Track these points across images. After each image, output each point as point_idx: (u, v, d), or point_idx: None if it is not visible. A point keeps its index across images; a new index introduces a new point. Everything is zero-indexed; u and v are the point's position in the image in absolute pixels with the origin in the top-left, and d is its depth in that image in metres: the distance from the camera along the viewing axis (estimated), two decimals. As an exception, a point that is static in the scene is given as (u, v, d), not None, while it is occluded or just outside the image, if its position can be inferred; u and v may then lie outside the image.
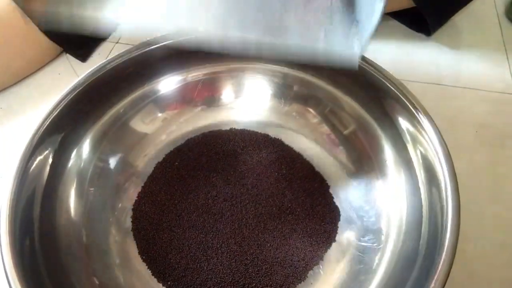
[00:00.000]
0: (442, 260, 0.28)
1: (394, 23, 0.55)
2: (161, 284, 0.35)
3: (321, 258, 0.36)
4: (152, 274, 0.35)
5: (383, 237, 0.36)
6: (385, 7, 0.22)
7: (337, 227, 0.38)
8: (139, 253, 0.36)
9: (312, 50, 0.26)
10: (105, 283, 0.34)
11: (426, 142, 0.34)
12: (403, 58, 0.52)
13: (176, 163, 0.41)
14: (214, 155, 0.42)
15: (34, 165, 0.33)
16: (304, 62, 0.29)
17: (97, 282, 0.34)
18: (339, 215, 0.38)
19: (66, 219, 0.35)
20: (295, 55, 0.27)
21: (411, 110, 0.35)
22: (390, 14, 0.55)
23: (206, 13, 0.27)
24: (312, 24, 0.27)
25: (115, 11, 0.27)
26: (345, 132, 0.41)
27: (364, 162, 0.40)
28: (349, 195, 0.39)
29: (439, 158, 0.32)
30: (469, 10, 0.55)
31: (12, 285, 0.27)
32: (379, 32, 0.54)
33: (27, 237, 0.31)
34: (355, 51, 0.26)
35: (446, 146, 0.32)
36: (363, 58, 0.36)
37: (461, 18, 0.55)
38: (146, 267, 0.36)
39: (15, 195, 0.31)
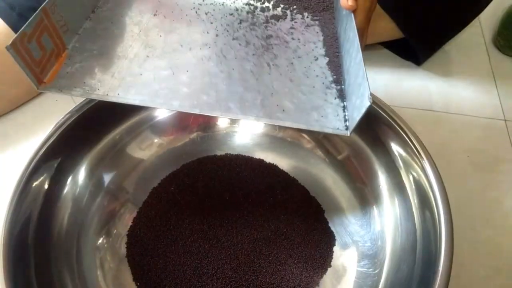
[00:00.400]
0: (437, 285, 0.28)
1: (386, 52, 0.57)
2: (155, 311, 0.35)
3: (317, 284, 0.36)
4: (147, 301, 0.35)
5: (378, 262, 0.36)
6: (370, 106, 0.25)
7: (333, 252, 0.38)
8: (133, 279, 0.36)
9: (306, 127, 0.29)
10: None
11: (419, 168, 0.34)
12: (395, 85, 0.53)
13: (172, 188, 0.41)
14: (210, 180, 0.42)
15: (30, 191, 0.34)
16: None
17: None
18: (334, 240, 0.38)
19: (61, 243, 0.35)
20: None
21: (403, 136, 0.36)
22: (382, 44, 0.57)
23: (208, 97, 0.29)
24: (306, 106, 0.30)
25: (121, 96, 0.29)
26: (339, 157, 0.42)
27: (358, 187, 0.40)
28: (344, 220, 0.39)
29: (431, 183, 0.33)
30: (458, 39, 0.57)
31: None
32: (372, 60, 0.55)
33: (22, 265, 0.31)
34: (345, 129, 0.29)
35: (438, 171, 0.33)
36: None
37: (450, 47, 0.57)
38: (141, 293, 0.35)
39: (10, 221, 0.31)
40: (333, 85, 0.31)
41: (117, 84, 0.29)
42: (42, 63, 0.28)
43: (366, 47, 0.56)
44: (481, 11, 0.53)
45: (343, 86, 0.31)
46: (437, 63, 0.55)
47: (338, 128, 0.28)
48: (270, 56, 0.33)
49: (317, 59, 0.33)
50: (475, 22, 0.59)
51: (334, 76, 0.32)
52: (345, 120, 0.29)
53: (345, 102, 0.30)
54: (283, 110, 0.29)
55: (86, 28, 0.32)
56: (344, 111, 0.29)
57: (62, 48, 0.30)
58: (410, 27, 0.50)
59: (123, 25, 0.33)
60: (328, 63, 0.33)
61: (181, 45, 0.33)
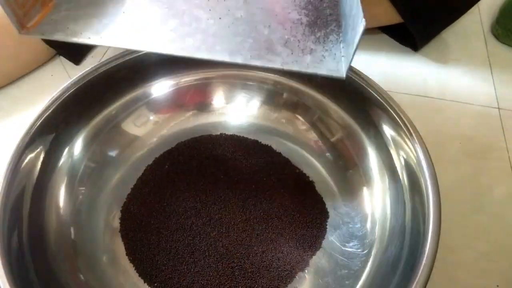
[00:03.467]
0: (423, 265, 0.28)
1: (384, 36, 0.57)
2: (148, 286, 0.35)
3: (307, 263, 0.37)
4: (139, 275, 0.36)
5: (367, 243, 0.36)
6: (364, 31, 0.24)
7: (324, 232, 0.38)
8: (126, 254, 0.37)
9: (299, 70, 0.28)
10: (92, 282, 0.34)
11: (410, 151, 0.35)
12: (391, 70, 0.53)
13: (166, 166, 0.42)
14: (204, 159, 0.42)
15: (24, 164, 0.34)
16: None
17: (83, 280, 0.34)
18: (326, 221, 0.39)
19: (55, 217, 0.36)
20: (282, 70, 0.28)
21: (397, 120, 0.36)
22: (380, 28, 0.57)
23: (194, 41, 0.29)
24: (300, 49, 0.29)
25: (106, 39, 0.28)
26: (333, 139, 0.42)
27: (350, 169, 0.41)
28: (335, 202, 0.40)
29: (422, 167, 0.33)
30: (456, 26, 0.57)
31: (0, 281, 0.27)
32: (370, 45, 0.55)
33: (16, 234, 0.31)
34: (341, 70, 0.28)
35: (429, 156, 0.33)
36: (352, 69, 0.38)
37: (448, 34, 0.57)
38: (134, 268, 0.36)
39: (4, 192, 0.31)
40: (328, 29, 0.30)
41: (101, 29, 0.29)
42: (26, 6, 0.27)
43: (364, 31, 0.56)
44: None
45: (340, 30, 0.30)
46: (434, 49, 0.55)
47: (332, 70, 0.27)
48: (264, 4, 0.32)
49: (312, 4, 0.32)
50: (474, 10, 0.59)
51: (331, 21, 0.31)
52: (340, 62, 0.28)
53: (341, 45, 0.29)
54: (274, 53, 0.28)
55: None
56: (339, 54, 0.28)
57: None
58: (409, 12, 0.50)
59: None
60: (324, 8, 0.32)
61: None
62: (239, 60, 0.28)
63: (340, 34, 0.30)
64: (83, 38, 0.28)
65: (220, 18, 0.30)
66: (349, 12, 0.28)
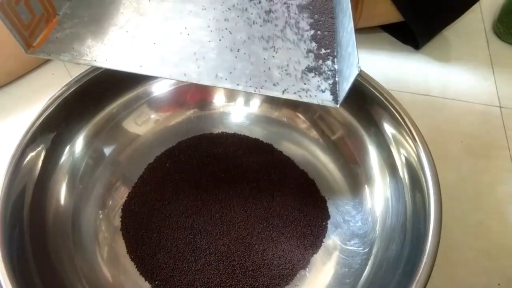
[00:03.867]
0: (424, 263, 0.28)
1: (385, 35, 0.57)
2: (149, 284, 0.35)
3: (308, 261, 0.37)
4: (140, 273, 0.36)
5: (368, 242, 0.36)
6: (359, 74, 0.25)
7: (325, 231, 0.38)
8: (127, 252, 0.37)
9: (295, 97, 0.29)
10: (92, 280, 0.34)
11: (411, 149, 0.35)
12: (393, 69, 0.53)
13: (167, 165, 0.42)
14: (205, 158, 0.42)
15: (25, 162, 0.34)
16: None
17: (84, 278, 0.34)
18: (327, 219, 0.39)
19: (56, 214, 0.36)
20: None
21: (398, 118, 0.36)
22: (381, 27, 0.57)
23: (197, 66, 0.29)
24: (297, 78, 0.29)
25: (111, 62, 0.29)
26: (333, 137, 0.42)
27: (351, 168, 0.41)
28: (336, 200, 0.40)
29: (423, 165, 0.33)
30: (458, 25, 0.57)
31: (1, 277, 0.27)
32: (371, 43, 0.55)
33: (17, 232, 0.31)
34: (335, 101, 0.29)
35: (430, 154, 0.33)
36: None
37: (449, 32, 0.57)
38: (134, 266, 0.36)
39: (6, 190, 0.31)
40: (324, 58, 0.31)
41: (106, 50, 0.29)
42: (31, 27, 0.28)
43: (366, 30, 0.56)
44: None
45: (335, 59, 0.31)
46: (436, 48, 0.55)
47: (327, 100, 0.28)
48: (264, 29, 0.32)
49: (311, 32, 0.33)
50: (475, 8, 0.59)
51: (327, 50, 0.32)
52: (335, 92, 0.29)
53: (336, 75, 0.30)
54: (272, 80, 0.29)
55: None
56: (335, 84, 0.29)
57: (53, 13, 0.30)
58: (410, 10, 0.50)
59: None
60: (322, 37, 0.32)
61: (173, 14, 0.32)
62: (240, 88, 0.28)
63: (336, 61, 0.31)
64: (89, 60, 0.28)
65: (220, 40, 0.31)
66: (345, 47, 0.29)
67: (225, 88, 0.29)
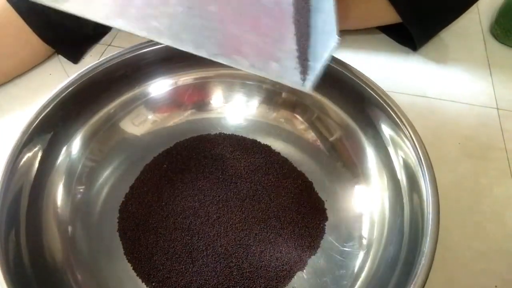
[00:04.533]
0: (421, 265, 0.28)
1: (383, 36, 0.57)
2: (145, 285, 0.35)
3: (306, 263, 0.36)
4: (137, 275, 0.36)
5: (365, 243, 0.36)
6: (335, 48, 0.23)
7: (323, 232, 0.38)
8: (124, 253, 0.37)
9: (264, 74, 0.27)
10: (89, 281, 0.34)
11: (409, 151, 0.35)
12: (390, 70, 0.53)
13: (165, 166, 0.42)
14: (203, 158, 0.42)
15: (22, 162, 0.34)
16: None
17: (81, 279, 0.34)
18: (324, 221, 0.39)
19: (53, 216, 0.36)
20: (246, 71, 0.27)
21: (395, 119, 0.36)
22: (379, 28, 0.57)
23: (159, 24, 0.27)
24: (267, 54, 0.27)
25: (68, 3, 0.26)
26: (331, 139, 0.42)
27: (349, 169, 0.41)
28: (334, 201, 0.40)
29: (420, 167, 0.33)
30: (455, 26, 0.57)
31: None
32: (368, 44, 0.55)
33: (13, 232, 0.31)
34: (306, 84, 0.26)
35: (428, 155, 0.33)
36: (350, 68, 0.38)
37: (447, 34, 0.57)
38: (131, 267, 0.36)
39: (2, 191, 0.31)
40: (297, 37, 0.29)
41: None
42: None
43: (363, 31, 0.56)
44: (479, -2, 0.53)
45: (308, 40, 0.29)
46: (433, 49, 0.55)
47: (297, 82, 0.26)
48: (238, 6, 0.30)
49: (285, 11, 0.31)
50: (473, 10, 0.59)
51: (301, 29, 0.29)
52: (306, 73, 0.27)
53: (309, 56, 0.27)
54: (241, 53, 0.27)
55: None
56: (307, 65, 0.27)
57: None
58: (408, 12, 0.50)
59: None
60: (296, 14, 0.30)
61: None
62: (203, 54, 0.26)
63: (309, 46, 0.28)
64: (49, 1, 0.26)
65: (190, 8, 0.29)
66: (321, 27, 0.27)
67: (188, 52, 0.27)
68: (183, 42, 0.27)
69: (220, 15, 0.29)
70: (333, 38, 0.23)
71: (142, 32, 0.26)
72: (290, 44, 0.29)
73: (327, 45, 0.24)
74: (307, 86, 0.26)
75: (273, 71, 0.27)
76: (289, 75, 0.27)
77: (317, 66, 0.25)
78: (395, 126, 0.36)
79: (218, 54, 0.26)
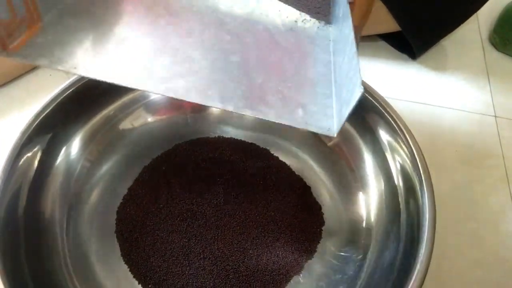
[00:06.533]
0: (417, 271, 0.29)
1: (383, 43, 0.57)
2: (142, 287, 0.35)
3: (302, 267, 0.37)
4: (134, 276, 0.36)
5: (362, 248, 0.37)
6: (362, 96, 0.23)
7: (320, 237, 0.38)
8: (121, 254, 0.37)
9: (291, 123, 0.27)
10: (86, 282, 0.34)
11: (406, 157, 0.35)
12: (390, 77, 0.54)
13: (163, 168, 0.42)
14: (201, 161, 0.42)
15: (21, 163, 0.34)
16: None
17: (76, 280, 0.34)
18: (321, 225, 0.39)
19: (51, 216, 0.36)
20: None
21: (394, 126, 0.36)
22: (379, 36, 0.57)
23: (186, 82, 0.27)
24: (292, 102, 0.28)
25: (92, 71, 0.26)
26: (330, 144, 0.43)
27: (347, 174, 0.41)
28: (332, 206, 0.40)
29: (417, 173, 0.33)
30: (455, 35, 0.57)
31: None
32: (368, 51, 0.56)
33: (11, 231, 0.31)
34: (332, 128, 0.26)
35: (425, 161, 0.34)
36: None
37: (446, 42, 0.57)
38: (128, 269, 0.36)
39: (1, 191, 0.31)
40: (322, 83, 0.29)
41: (88, 59, 0.27)
42: (11, 27, 0.26)
43: (363, 38, 0.57)
44: (478, 8, 0.53)
45: (333, 85, 0.29)
46: (432, 58, 0.56)
47: (323, 128, 0.26)
48: (259, 52, 0.31)
49: (307, 58, 0.31)
50: (472, 19, 0.59)
51: (324, 76, 0.30)
52: (332, 119, 0.27)
53: (334, 102, 0.28)
54: (266, 104, 0.27)
55: (67, 3, 0.30)
56: (332, 110, 0.27)
57: (36, 19, 0.28)
58: (407, 22, 0.50)
59: (106, 6, 0.31)
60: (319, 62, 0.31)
61: (166, 30, 0.31)
62: (230, 108, 0.27)
63: (333, 90, 0.29)
64: (69, 67, 0.26)
65: (213, 61, 0.29)
66: (345, 73, 0.27)
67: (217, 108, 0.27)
68: (209, 98, 0.27)
69: (243, 64, 0.30)
70: (358, 88, 0.23)
71: (171, 93, 0.27)
72: (314, 87, 0.29)
73: (353, 95, 0.24)
74: (333, 132, 0.26)
75: (300, 118, 0.27)
76: (314, 121, 0.27)
77: (344, 113, 0.25)
78: (393, 132, 0.36)
79: (244, 107, 0.27)
